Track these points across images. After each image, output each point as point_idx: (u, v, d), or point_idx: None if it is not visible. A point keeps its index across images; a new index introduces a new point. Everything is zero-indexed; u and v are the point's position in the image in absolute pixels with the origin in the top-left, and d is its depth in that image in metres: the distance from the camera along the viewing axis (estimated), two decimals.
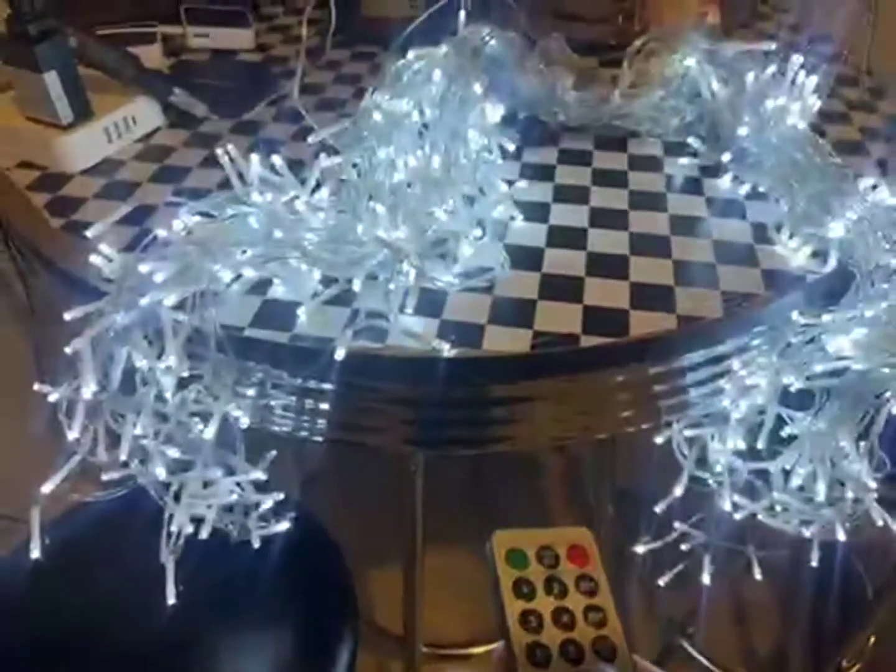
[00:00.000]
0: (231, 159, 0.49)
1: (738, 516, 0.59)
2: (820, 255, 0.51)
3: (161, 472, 0.45)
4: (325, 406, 0.52)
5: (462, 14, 0.59)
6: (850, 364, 0.51)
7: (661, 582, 0.67)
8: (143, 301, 0.41)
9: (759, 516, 0.59)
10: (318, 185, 0.51)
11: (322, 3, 0.83)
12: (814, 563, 0.60)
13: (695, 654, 1.08)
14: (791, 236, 0.52)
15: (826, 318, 0.50)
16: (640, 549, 0.61)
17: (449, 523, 1.27)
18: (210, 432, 0.43)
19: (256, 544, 0.54)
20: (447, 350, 0.44)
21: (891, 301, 0.48)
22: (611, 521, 1.15)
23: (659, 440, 0.56)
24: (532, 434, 0.54)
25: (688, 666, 1.08)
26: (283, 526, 0.54)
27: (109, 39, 0.70)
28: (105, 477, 0.49)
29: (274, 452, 0.54)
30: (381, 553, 1.19)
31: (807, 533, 0.59)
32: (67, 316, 0.43)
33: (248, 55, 0.80)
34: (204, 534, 0.51)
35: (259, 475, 0.50)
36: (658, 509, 0.58)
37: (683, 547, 0.60)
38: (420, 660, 0.90)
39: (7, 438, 0.81)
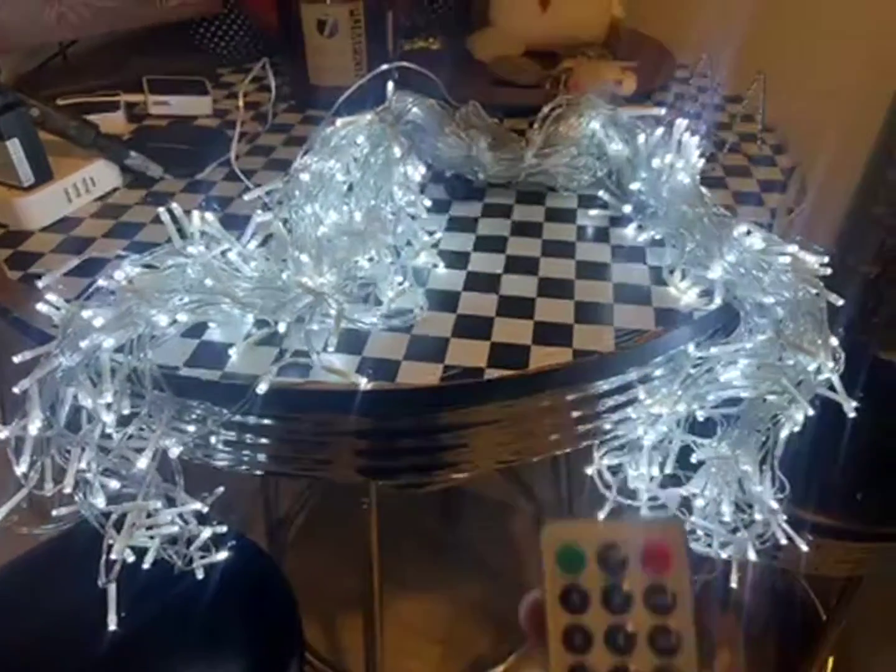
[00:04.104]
0: (173, 217, 0.55)
1: None
2: (707, 294, 0.56)
3: (100, 502, 0.49)
4: (264, 440, 0.56)
5: (390, 84, 0.65)
6: (739, 393, 0.56)
7: None
8: (83, 344, 0.45)
9: None
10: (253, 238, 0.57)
11: (277, 72, 0.91)
12: (733, 584, 0.64)
13: None
14: (682, 278, 0.58)
15: (714, 350, 0.55)
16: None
17: (418, 569, 1.29)
18: (143, 462, 0.47)
19: (200, 575, 0.58)
20: (364, 384, 0.49)
21: (767, 335, 0.54)
22: None
23: (589, 471, 0.61)
24: (475, 459, 0.57)
25: None
26: (223, 555, 0.57)
27: (74, 108, 0.76)
28: (54, 512, 0.53)
29: (221, 489, 0.58)
30: (351, 599, 1.21)
31: (724, 555, 0.63)
32: (16, 359, 0.48)
33: (205, 120, 0.86)
34: (146, 563, 0.54)
35: (198, 507, 0.54)
36: None
37: None
38: None
39: None
